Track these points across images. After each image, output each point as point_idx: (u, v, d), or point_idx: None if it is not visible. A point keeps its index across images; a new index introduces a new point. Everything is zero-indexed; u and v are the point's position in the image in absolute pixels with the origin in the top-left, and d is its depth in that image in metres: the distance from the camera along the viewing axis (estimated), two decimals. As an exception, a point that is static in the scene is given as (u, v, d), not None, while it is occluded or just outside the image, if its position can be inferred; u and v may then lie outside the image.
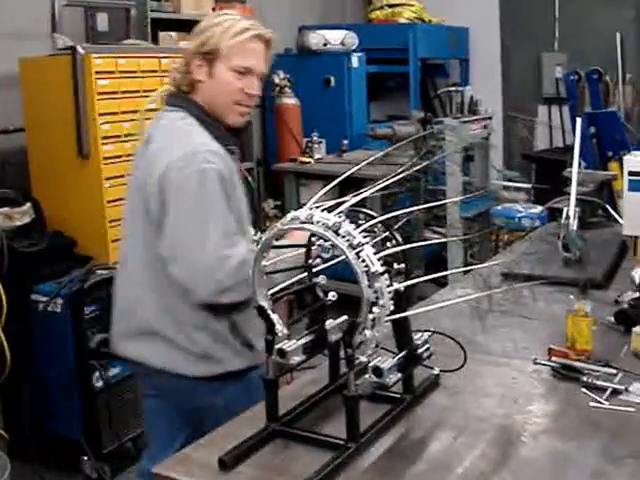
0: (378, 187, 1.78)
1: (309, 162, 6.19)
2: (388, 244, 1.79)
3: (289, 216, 1.71)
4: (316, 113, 6.51)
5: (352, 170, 1.89)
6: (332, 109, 6.73)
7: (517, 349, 2.42)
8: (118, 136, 4.26)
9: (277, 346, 1.78)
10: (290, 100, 6.50)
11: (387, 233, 1.85)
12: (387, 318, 1.71)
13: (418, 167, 2.36)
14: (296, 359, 1.81)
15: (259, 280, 1.76)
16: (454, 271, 1.78)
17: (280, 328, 1.77)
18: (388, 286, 1.67)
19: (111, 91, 4.22)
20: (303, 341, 1.84)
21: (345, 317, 1.98)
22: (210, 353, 2.38)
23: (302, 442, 1.82)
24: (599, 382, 2.09)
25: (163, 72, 4.48)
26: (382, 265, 1.66)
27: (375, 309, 1.66)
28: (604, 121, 5.40)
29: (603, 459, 1.76)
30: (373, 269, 1.63)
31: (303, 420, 1.92)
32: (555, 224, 3.70)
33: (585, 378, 2.12)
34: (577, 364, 2.19)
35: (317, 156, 6.25)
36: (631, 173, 3.25)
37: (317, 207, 1.72)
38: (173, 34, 5.18)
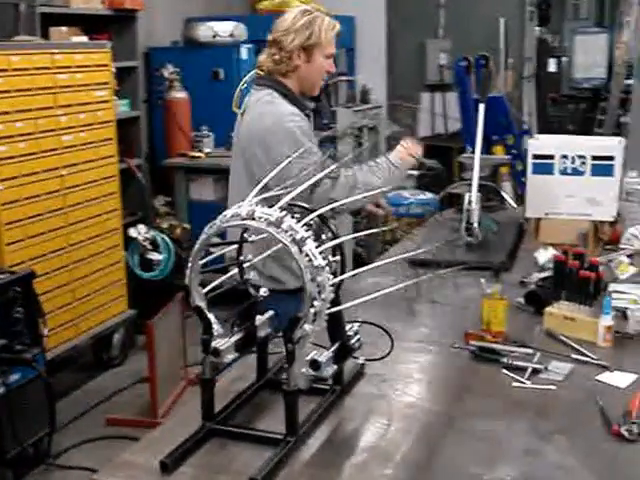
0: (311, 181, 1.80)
1: (200, 157, 6.14)
2: (323, 237, 1.80)
3: (229, 212, 1.71)
4: (205, 107, 6.39)
5: (277, 169, 1.90)
6: (221, 102, 6.51)
7: (434, 335, 2.48)
8: (11, 136, 4.13)
9: (212, 344, 1.78)
10: (179, 94, 6.37)
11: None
12: (327, 311, 1.73)
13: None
14: (229, 357, 1.81)
15: (195, 280, 1.75)
16: (387, 260, 1.81)
17: (217, 327, 1.76)
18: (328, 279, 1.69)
19: (3, 90, 4.07)
20: (235, 338, 1.84)
21: (272, 312, 2.00)
22: (276, 277, 2.94)
23: (240, 439, 1.83)
24: (519, 362, 2.17)
25: (58, 68, 4.38)
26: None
27: (316, 303, 1.68)
28: (490, 105, 5.49)
29: (532, 437, 1.84)
30: (316, 263, 1.65)
31: (237, 417, 1.93)
32: (452, 210, 3.78)
33: (505, 359, 2.18)
34: (495, 346, 2.26)
35: (206, 150, 6.20)
36: (535, 156, 3.36)
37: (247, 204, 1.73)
38: (64, 29, 5.06)
